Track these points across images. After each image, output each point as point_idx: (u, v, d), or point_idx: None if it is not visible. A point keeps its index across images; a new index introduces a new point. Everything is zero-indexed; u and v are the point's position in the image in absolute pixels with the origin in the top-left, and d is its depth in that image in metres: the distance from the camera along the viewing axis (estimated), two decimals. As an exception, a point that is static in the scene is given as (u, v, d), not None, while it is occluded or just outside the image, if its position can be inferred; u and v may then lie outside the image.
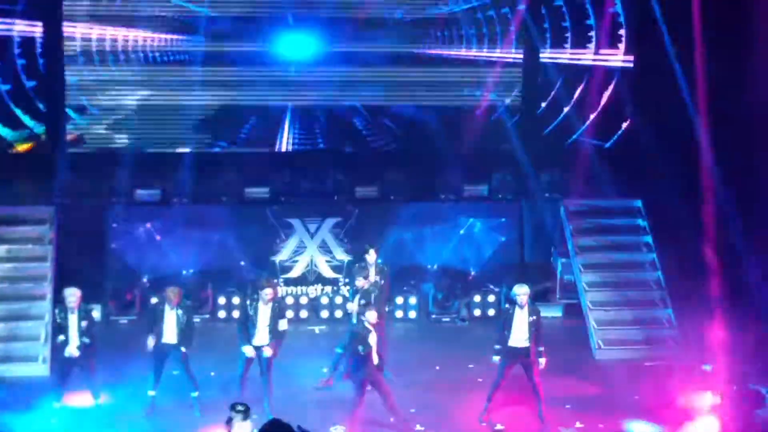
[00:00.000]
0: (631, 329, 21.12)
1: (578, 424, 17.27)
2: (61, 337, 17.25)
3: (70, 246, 21.98)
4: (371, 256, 19.06)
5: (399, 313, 22.16)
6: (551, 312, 22.43)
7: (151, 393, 17.39)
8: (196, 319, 20.37)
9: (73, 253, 21.95)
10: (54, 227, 21.74)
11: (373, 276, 19.10)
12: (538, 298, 22.40)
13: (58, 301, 17.99)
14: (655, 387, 18.27)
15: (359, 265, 19.17)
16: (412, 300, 22.19)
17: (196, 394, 17.34)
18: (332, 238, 23.06)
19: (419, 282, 22.79)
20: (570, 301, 22.38)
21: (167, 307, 17.45)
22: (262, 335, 17.26)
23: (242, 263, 22.65)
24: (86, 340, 17.22)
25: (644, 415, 17.40)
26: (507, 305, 17.91)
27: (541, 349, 17.16)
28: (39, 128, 23.41)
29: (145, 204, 22.84)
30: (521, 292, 17.12)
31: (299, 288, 22.75)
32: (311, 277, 22.91)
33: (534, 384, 17.16)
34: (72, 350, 17.12)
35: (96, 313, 20.32)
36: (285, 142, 24.27)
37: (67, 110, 23.55)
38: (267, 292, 17.24)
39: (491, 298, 22.29)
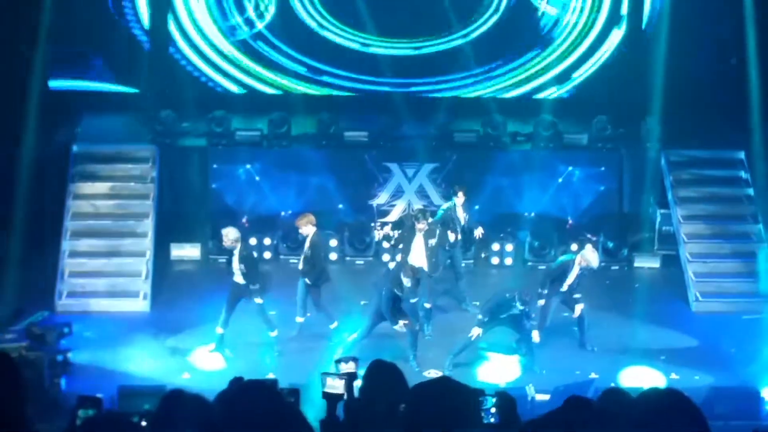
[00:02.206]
0: (730, 281, 20.90)
1: (673, 376, 17.20)
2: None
3: (171, 184, 22.33)
4: (460, 199, 19.31)
5: (495, 260, 22.13)
6: (649, 263, 22.26)
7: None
8: (293, 260, 20.69)
9: (174, 191, 22.31)
10: (156, 166, 22.02)
11: (462, 216, 19.32)
12: (635, 248, 22.32)
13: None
14: (753, 340, 18.14)
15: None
16: (509, 247, 22.13)
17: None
18: (430, 183, 23.06)
19: (516, 229, 22.70)
20: (668, 252, 22.16)
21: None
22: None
23: (340, 206, 22.77)
24: (253, 287, 17.55)
25: (740, 368, 17.31)
26: (564, 258, 18.56)
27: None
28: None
29: (246, 145, 23.04)
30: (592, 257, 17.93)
31: (397, 232, 22.76)
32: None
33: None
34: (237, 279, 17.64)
35: (268, 254, 21.28)
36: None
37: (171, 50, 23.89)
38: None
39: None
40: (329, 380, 9.44)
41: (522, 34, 24.65)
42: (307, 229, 18.10)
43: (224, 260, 18.43)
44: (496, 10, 24.33)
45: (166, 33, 23.73)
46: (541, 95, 24.58)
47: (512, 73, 24.63)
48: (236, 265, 17.56)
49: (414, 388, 6.22)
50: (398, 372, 7.41)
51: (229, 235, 17.61)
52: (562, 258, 18.66)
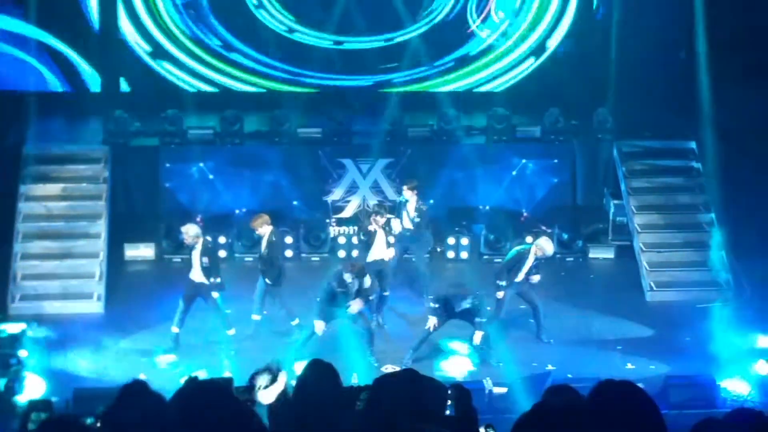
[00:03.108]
0: (684, 271, 21.02)
1: (629, 366, 17.29)
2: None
3: (124, 185, 22.21)
4: (407, 193, 19.33)
5: (451, 254, 22.16)
6: (603, 254, 22.34)
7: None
8: (249, 258, 20.71)
9: (127, 192, 22.20)
10: (108, 166, 21.89)
11: (412, 211, 19.34)
12: (590, 239, 22.40)
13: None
14: (708, 329, 18.23)
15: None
16: (464, 241, 22.17)
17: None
18: (384, 179, 23.06)
19: (471, 223, 22.74)
20: (622, 242, 22.24)
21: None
22: None
23: (295, 203, 22.73)
24: (213, 280, 17.49)
25: (695, 357, 17.40)
26: (519, 248, 18.51)
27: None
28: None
29: (199, 143, 22.95)
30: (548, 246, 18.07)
31: (352, 228, 22.72)
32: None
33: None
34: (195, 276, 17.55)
35: (223, 253, 21.10)
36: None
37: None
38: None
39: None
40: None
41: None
42: (264, 229, 18.07)
43: (180, 260, 18.24)
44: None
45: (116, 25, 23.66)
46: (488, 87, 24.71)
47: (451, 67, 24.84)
48: (197, 259, 17.50)
49: (379, 379, 6.18)
50: (334, 372, 7.36)
51: (190, 231, 17.59)
52: (516, 249, 18.67)
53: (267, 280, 18.04)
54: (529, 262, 17.93)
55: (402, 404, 5.74)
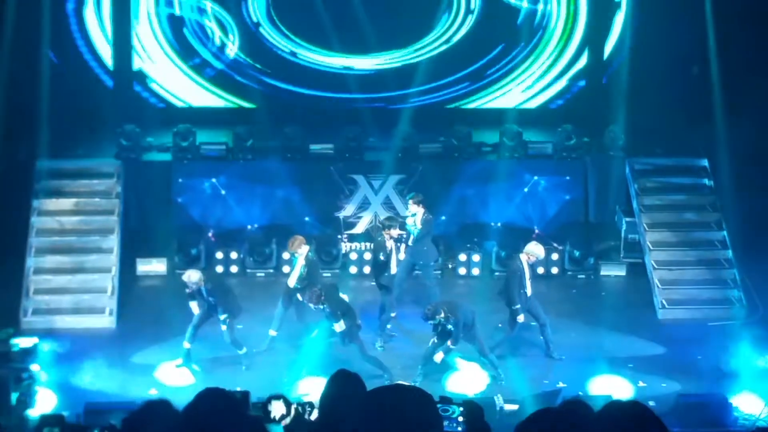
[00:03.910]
0: (696, 289, 20.96)
1: (641, 384, 17.26)
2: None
3: (136, 200, 22.25)
4: (413, 207, 19.26)
5: (462, 270, 22.12)
6: (615, 271, 22.29)
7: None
8: (261, 274, 20.73)
9: (139, 206, 22.23)
10: (121, 181, 21.93)
11: (419, 225, 19.22)
12: (601, 256, 22.36)
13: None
14: (719, 347, 18.19)
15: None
16: (476, 257, 22.14)
17: None
18: (396, 195, 23.05)
19: (482, 239, 22.72)
20: (634, 260, 22.19)
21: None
22: None
23: (306, 219, 22.73)
24: (221, 316, 17.45)
25: (707, 375, 17.38)
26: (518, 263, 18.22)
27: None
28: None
29: (211, 159, 22.98)
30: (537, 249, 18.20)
31: (364, 244, 22.69)
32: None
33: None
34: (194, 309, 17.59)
35: (234, 268, 21.20)
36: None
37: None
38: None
39: (555, 256, 22.13)
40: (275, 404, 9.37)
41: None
42: (302, 249, 18.15)
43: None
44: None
45: (130, 71, 23.90)
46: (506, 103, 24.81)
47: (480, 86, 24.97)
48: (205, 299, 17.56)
49: (366, 395, 6.16)
50: (361, 383, 7.36)
51: (192, 278, 17.48)
52: (509, 265, 18.69)
53: (299, 297, 17.99)
54: (527, 271, 17.90)
55: (389, 419, 5.69)
